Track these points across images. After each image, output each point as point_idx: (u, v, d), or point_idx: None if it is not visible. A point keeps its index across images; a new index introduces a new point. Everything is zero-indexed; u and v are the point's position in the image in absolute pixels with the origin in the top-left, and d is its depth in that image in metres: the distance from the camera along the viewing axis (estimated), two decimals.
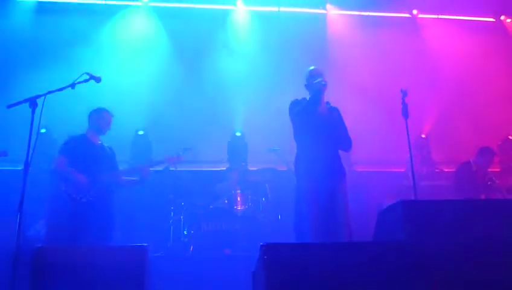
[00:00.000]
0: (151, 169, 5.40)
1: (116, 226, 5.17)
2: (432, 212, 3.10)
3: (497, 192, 6.75)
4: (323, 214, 4.27)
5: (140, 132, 8.00)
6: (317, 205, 4.29)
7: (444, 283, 2.82)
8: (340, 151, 4.69)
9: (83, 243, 4.71)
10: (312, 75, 4.60)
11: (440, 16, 9.71)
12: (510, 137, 8.78)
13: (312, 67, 4.71)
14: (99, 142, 5.30)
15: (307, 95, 4.70)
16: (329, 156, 4.51)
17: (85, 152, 5.08)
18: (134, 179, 5.32)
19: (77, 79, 4.18)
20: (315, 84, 4.50)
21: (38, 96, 3.91)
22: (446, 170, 7.92)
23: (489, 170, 7.13)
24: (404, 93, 4.43)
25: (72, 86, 4.16)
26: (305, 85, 4.68)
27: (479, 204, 3.34)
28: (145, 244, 3.61)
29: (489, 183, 6.73)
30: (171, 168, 6.92)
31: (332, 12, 9.47)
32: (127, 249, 3.63)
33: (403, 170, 7.60)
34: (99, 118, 5.28)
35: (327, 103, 4.70)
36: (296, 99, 4.65)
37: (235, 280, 4.86)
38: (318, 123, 4.50)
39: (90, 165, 5.02)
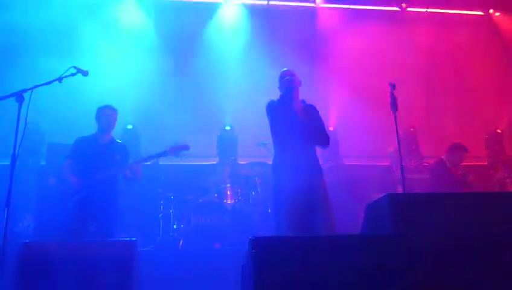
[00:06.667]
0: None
1: (116, 220, 5.15)
2: (419, 205, 3.12)
3: (471, 187, 6.81)
4: (302, 213, 4.26)
5: (129, 126, 7.94)
6: (294, 205, 4.28)
7: (432, 276, 2.85)
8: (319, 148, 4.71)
9: (76, 239, 4.73)
10: (282, 76, 4.68)
11: (429, 10, 9.75)
12: (498, 131, 8.85)
13: (283, 69, 4.76)
14: (108, 139, 5.34)
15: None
16: (305, 154, 4.50)
17: (85, 153, 5.20)
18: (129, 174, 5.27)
19: (64, 73, 4.15)
20: (284, 82, 4.59)
21: (25, 90, 3.87)
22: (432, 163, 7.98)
23: (474, 164, 7.20)
24: (393, 86, 4.43)
25: (59, 79, 4.12)
26: (278, 87, 4.73)
27: (467, 197, 3.36)
28: (134, 238, 3.61)
29: (462, 178, 6.81)
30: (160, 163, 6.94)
31: (322, 5, 9.47)
32: (115, 243, 3.62)
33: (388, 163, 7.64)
34: (99, 117, 5.37)
35: (302, 101, 4.71)
36: (272, 100, 4.68)
37: (225, 273, 4.88)
38: (293, 121, 4.51)
39: (88, 165, 5.11)
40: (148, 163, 5.52)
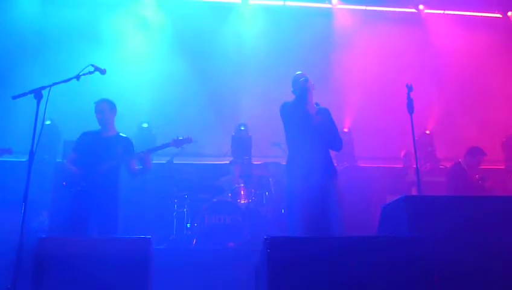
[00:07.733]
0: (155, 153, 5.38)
1: (117, 213, 5.05)
2: (435, 207, 3.10)
3: (489, 191, 6.72)
4: (314, 215, 4.27)
5: (144, 125, 7.99)
6: (308, 206, 4.29)
7: (447, 277, 2.82)
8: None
9: (81, 230, 4.75)
10: (296, 79, 4.72)
11: (446, 11, 9.67)
12: None
13: (297, 72, 4.80)
14: (111, 134, 5.27)
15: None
16: (319, 155, 4.53)
17: (88, 146, 5.16)
18: (139, 167, 5.25)
19: (82, 71, 4.20)
20: (298, 84, 4.63)
21: (43, 87, 3.91)
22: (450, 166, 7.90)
23: (492, 167, 7.11)
24: (410, 88, 4.41)
25: (77, 77, 4.18)
26: (292, 91, 4.76)
27: (484, 201, 3.33)
28: (149, 236, 3.62)
29: (480, 182, 6.72)
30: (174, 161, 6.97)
31: (338, 6, 9.43)
32: (130, 240, 3.63)
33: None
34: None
35: (316, 104, 4.73)
36: (286, 102, 4.72)
37: (238, 273, 4.87)
38: (307, 123, 4.54)
39: (89, 158, 5.07)
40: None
